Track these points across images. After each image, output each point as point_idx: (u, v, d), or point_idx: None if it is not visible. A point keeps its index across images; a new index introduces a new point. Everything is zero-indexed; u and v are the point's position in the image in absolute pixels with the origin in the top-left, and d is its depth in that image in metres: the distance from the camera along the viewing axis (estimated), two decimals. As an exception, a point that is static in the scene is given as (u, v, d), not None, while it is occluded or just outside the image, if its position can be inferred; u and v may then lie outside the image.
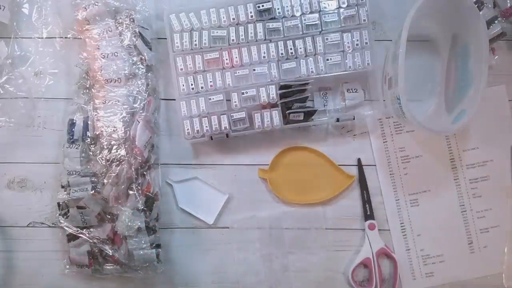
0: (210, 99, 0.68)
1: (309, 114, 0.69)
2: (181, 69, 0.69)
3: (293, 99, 0.69)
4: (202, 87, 0.69)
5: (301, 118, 0.69)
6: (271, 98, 0.68)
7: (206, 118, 0.69)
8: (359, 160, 0.73)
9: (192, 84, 0.69)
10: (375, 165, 0.73)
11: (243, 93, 0.68)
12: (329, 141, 0.73)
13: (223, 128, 0.68)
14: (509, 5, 0.70)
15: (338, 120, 0.70)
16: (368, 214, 0.72)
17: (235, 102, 0.68)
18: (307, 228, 0.73)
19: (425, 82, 0.73)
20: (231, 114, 0.69)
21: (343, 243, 0.73)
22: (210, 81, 0.69)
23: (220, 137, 0.70)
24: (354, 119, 0.71)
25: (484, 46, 0.63)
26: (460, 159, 0.73)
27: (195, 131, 0.69)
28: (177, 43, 0.69)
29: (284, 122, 0.69)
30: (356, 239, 0.73)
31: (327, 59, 0.69)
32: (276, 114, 0.69)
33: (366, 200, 0.72)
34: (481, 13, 0.65)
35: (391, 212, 0.73)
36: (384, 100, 0.71)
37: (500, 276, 0.72)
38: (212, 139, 0.70)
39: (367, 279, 0.72)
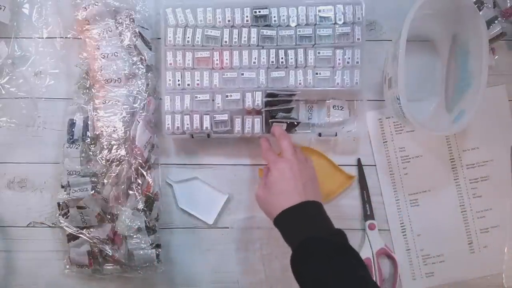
0: (196, 97, 0.68)
1: (292, 125, 0.69)
2: (170, 64, 0.69)
3: (278, 108, 0.68)
4: (188, 85, 0.69)
5: (284, 128, 0.68)
6: (256, 104, 0.68)
7: (188, 116, 0.68)
8: (359, 160, 0.73)
9: (178, 80, 0.69)
10: (375, 165, 0.73)
11: (227, 96, 0.68)
12: (329, 141, 0.73)
13: (204, 128, 0.68)
14: (509, 5, 0.70)
15: (320, 134, 0.70)
16: (368, 214, 0.72)
17: (218, 103, 0.68)
18: (307, 228, 0.73)
19: (425, 82, 0.73)
20: (214, 115, 0.68)
21: (343, 243, 0.73)
22: (197, 80, 0.68)
23: (201, 136, 0.69)
24: (336, 135, 0.70)
25: (484, 46, 0.63)
26: (460, 159, 0.73)
27: (175, 127, 0.69)
28: (169, 37, 0.68)
29: (266, 130, 0.69)
30: (356, 239, 0.73)
31: (316, 73, 0.69)
32: (258, 121, 0.68)
33: (366, 200, 0.72)
34: (481, 13, 0.65)
35: (391, 212, 0.73)
36: (384, 100, 0.71)
37: (500, 276, 0.72)
38: (193, 137, 0.70)
39: (367, 279, 0.72)
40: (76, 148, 0.67)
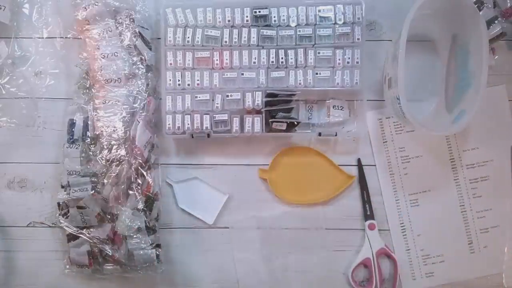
0: (196, 97, 0.68)
1: (292, 125, 0.69)
2: (170, 64, 0.69)
3: (278, 108, 0.68)
4: (188, 85, 0.69)
5: (284, 128, 0.68)
6: (256, 104, 0.68)
7: (189, 116, 0.68)
8: (359, 160, 0.73)
9: (179, 80, 0.69)
10: (375, 165, 0.73)
11: (227, 96, 0.68)
12: (329, 141, 0.73)
13: (204, 128, 0.68)
14: (509, 5, 0.70)
15: (320, 134, 0.70)
16: (368, 214, 0.72)
17: (217, 103, 0.68)
18: (307, 228, 0.73)
19: (425, 82, 0.73)
20: (213, 115, 0.68)
21: (343, 243, 0.73)
22: (198, 80, 0.69)
23: (201, 136, 0.70)
24: (336, 135, 0.71)
25: (484, 46, 0.63)
26: (460, 159, 0.73)
27: (176, 127, 0.69)
28: (169, 37, 0.69)
29: (266, 129, 0.69)
30: (356, 239, 0.73)
31: (317, 73, 0.69)
32: (258, 121, 0.68)
33: (366, 200, 0.72)
34: (481, 13, 0.65)
35: (391, 212, 0.73)
36: (384, 100, 0.71)
37: (500, 276, 0.72)
38: (193, 137, 0.70)
39: (367, 279, 0.72)
40: (76, 148, 0.67)
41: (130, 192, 0.67)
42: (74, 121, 0.69)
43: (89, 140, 0.68)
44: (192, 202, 0.73)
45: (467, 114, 0.64)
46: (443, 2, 0.64)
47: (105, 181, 0.66)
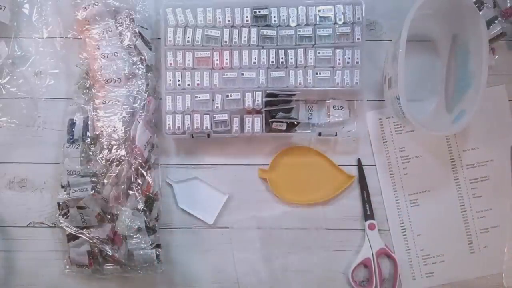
0: (196, 97, 0.68)
1: (292, 125, 0.69)
2: (170, 64, 0.69)
3: (278, 108, 0.68)
4: (188, 85, 0.69)
5: (284, 128, 0.68)
6: (256, 104, 0.68)
7: (189, 116, 0.69)
8: (359, 160, 0.73)
9: (179, 80, 0.69)
10: (375, 165, 0.73)
11: (227, 96, 0.68)
12: (329, 141, 0.73)
13: (204, 128, 0.68)
14: (509, 5, 0.70)
15: (320, 134, 0.70)
16: (368, 214, 0.72)
17: (217, 103, 0.68)
18: (307, 228, 0.73)
19: (425, 82, 0.73)
20: (213, 115, 0.69)
21: (343, 243, 0.73)
22: (198, 80, 0.69)
23: (201, 136, 0.70)
24: (336, 135, 0.71)
25: (484, 46, 0.63)
26: (460, 159, 0.73)
27: (176, 127, 0.69)
28: (169, 37, 0.69)
29: (266, 129, 0.69)
30: (356, 239, 0.73)
31: (317, 73, 0.69)
32: (258, 121, 0.68)
33: (366, 200, 0.72)
34: (481, 13, 0.65)
35: (391, 212, 0.73)
36: (384, 100, 0.71)
37: (500, 276, 0.72)
38: (193, 137, 0.70)
39: (367, 279, 0.72)
40: (76, 148, 0.67)
41: (130, 192, 0.67)
42: (74, 121, 0.69)
43: (89, 140, 0.68)
44: (192, 202, 0.73)
45: (467, 114, 0.64)
46: (443, 2, 0.64)
47: (105, 181, 0.66)
